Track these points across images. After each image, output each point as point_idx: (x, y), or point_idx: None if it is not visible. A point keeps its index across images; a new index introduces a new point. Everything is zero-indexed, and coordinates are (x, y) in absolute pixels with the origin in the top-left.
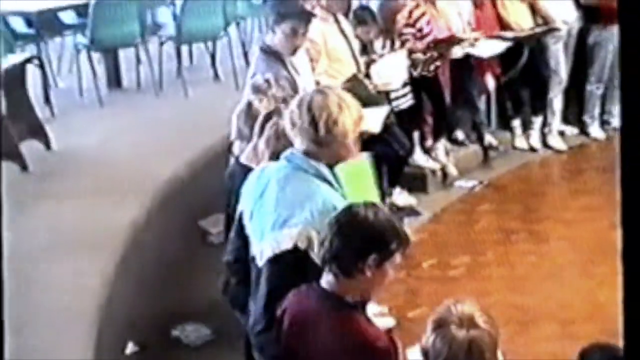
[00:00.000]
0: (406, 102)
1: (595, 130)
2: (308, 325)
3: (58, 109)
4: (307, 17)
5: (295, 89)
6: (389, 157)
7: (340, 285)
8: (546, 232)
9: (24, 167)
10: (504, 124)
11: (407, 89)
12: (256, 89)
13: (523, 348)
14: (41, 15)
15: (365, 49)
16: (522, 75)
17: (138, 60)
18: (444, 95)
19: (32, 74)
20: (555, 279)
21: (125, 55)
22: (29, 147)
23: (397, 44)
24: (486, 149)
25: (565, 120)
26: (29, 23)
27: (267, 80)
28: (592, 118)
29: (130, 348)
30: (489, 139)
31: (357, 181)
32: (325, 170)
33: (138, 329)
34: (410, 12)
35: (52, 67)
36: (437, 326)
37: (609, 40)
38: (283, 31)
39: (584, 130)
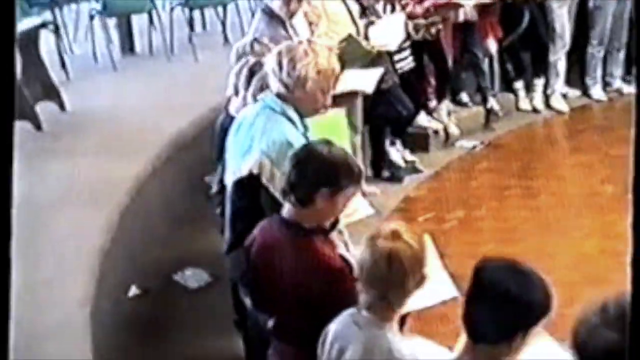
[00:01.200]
0: (407, 64)
1: (597, 92)
2: (271, 250)
3: (73, 73)
4: None
5: None
6: (392, 118)
7: (297, 214)
8: (539, 188)
9: (38, 126)
10: (508, 86)
11: (408, 51)
12: (251, 49)
13: None
14: None
15: (365, 11)
16: (523, 38)
17: (151, 25)
18: (446, 58)
19: (48, 40)
20: (544, 231)
21: (138, 22)
22: (45, 108)
23: (398, 7)
24: (489, 111)
25: (568, 82)
26: None
27: (258, 41)
28: (594, 80)
29: (132, 291)
30: (492, 102)
31: (328, 134)
32: (290, 111)
33: (141, 274)
34: None
35: (67, 33)
36: (369, 242)
37: (609, 4)
38: None
39: (586, 92)
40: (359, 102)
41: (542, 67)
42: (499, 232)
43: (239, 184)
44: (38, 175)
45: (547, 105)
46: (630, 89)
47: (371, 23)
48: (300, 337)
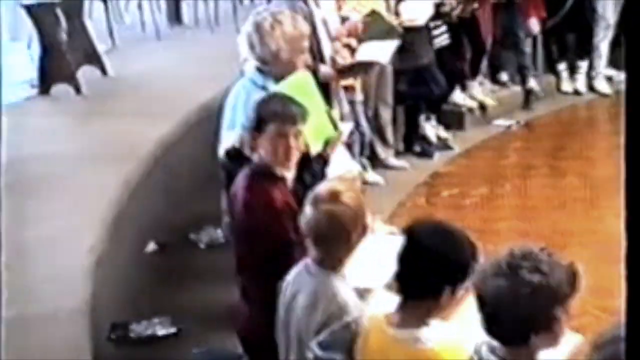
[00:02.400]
0: (443, 40)
1: None
2: (235, 194)
3: (120, 41)
4: None
5: (311, 20)
6: (425, 94)
7: (257, 159)
8: (567, 169)
9: (77, 89)
10: (551, 67)
11: (444, 28)
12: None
13: None
14: None
15: None
16: (567, 20)
17: None
18: (482, 37)
19: (99, 8)
20: (563, 210)
21: None
22: (87, 73)
23: None
24: (528, 91)
25: (614, 64)
26: None
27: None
28: None
29: (150, 247)
30: (531, 82)
31: (300, 92)
32: (270, 83)
33: (159, 231)
34: None
35: (119, 3)
36: (312, 203)
37: None
38: None
39: None
40: (389, 77)
41: (586, 49)
42: (518, 209)
43: (228, 154)
44: (73, 134)
45: (590, 87)
46: None
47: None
48: (253, 272)
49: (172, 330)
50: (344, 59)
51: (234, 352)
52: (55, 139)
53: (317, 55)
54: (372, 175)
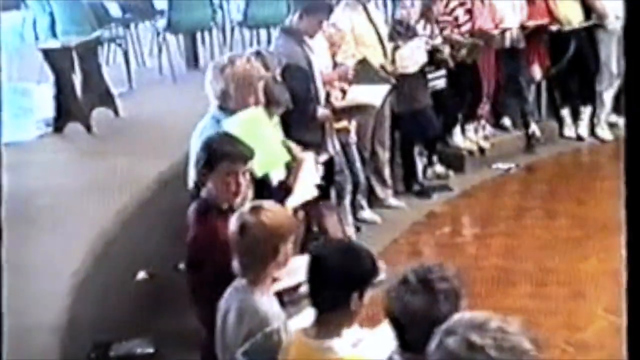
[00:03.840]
0: (439, 84)
1: None
2: (188, 225)
3: (138, 84)
4: (331, 11)
5: (309, 64)
6: (419, 135)
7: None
8: (558, 211)
9: (89, 128)
10: (555, 113)
11: (443, 71)
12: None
13: (499, 303)
14: (136, 1)
15: (393, 35)
16: (571, 67)
17: (202, 43)
18: (482, 82)
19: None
20: (549, 249)
21: (203, 38)
22: (102, 113)
23: (436, 30)
24: (530, 136)
25: (618, 111)
26: (123, 9)
27: (260, 53)
28: None
29: (140, 275)
30: (533, 128)
31: (250, 126)
32: (225, 119)
33: (150, 261)
34: (448, 2)
35: (141, 47)
36: (236, 216)
37: None
38: (310, 21)
39: None
40: (387, 120)
41: (589, 95)
42: (506, 248)
43: (196, 187)
44: (79, 169)
45: (592, 133)
46: None
47: (398, 47)
48: (202, 298)
49: (150, 350)
50: (337, 99)
51: None
52: (61, 173)
53: (314, 97)
54: (368, 214)
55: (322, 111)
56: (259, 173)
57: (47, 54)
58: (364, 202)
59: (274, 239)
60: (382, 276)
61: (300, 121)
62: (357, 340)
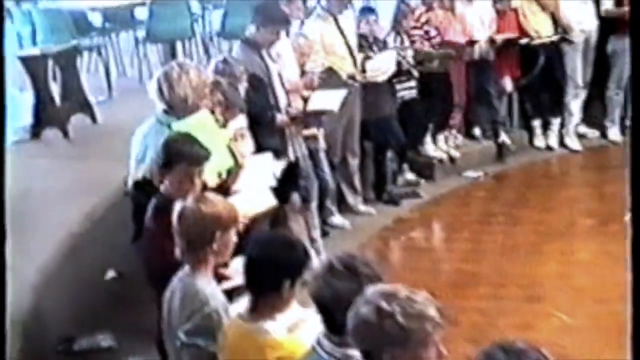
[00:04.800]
0: (409, 94)
1: (614, 134)
2: (146, 220)
3: (118, 92)
4: (288, 22)
5: (267, 73)
6: (383, 143)
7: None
8: (521, 218)
9: (66, 134)
10: (526, 123)
11: (414, 82)
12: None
13: (458, 304)
14: (117, 10)
15: (363, 46)
16: (541, 79)
17: (183, 53)
18: (452, 92)
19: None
20: (509, 254)
21: (183, 48)
22: (80, 120)
23: (407, 42)
24: (500, 145)
25: (588, 122)
26: (104, 18)
27: (226, 61)
28: (612, 122)
29: (109, 274)
30: (504, 137)
31: (200, 129)
32: (173, 123)
33: (119, 261)
34: (419, 16)
35: (121, 56)
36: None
37: (627, 49)
38: (267, 32)
39: (604, 134)
40: (357, 127)
41: (558, 107)
42: (466, 252)
43: (137, 185)
44: (53, 174)
45: (562, 143)
46: None
47: (368, 57)
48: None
49: (112, 343)
50: (297, 109)
51: None
52: (36, 177)
53: (273, 104)
54: (338, 219)
55: (280, 118)
56: (205, 176)
57: (26, 61)
58: (333, 208)
59: (211, 226)
60: None
61: (259, 128)
62: (297, 321)
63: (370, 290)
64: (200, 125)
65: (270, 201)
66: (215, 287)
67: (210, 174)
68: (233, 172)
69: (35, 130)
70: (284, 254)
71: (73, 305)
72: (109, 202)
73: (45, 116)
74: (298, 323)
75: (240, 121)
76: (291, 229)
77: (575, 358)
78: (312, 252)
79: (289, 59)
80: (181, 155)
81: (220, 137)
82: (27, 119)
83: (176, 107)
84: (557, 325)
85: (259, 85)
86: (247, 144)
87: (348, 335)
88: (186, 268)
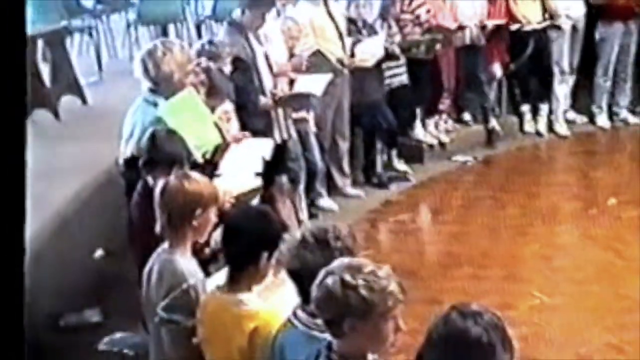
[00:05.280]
0: (400, 80)
1: (602, 120)
2: (134, 200)
3: (108, 74)
4: (273, 4)
5: (253, 56)
6: (377, 128)
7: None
8: (508, 201)
9: (56, 115)
10: (515, 108)
11: (404, 68)
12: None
13: (441, 284)
14: None
15: (352, 30)
16: (529, 65)
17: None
18: (441, 78)
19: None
20: (493, 236)
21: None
22: (71, 101)
23: (395, 28)
24: (490, 131)
25: (576, 109)
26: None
27: (212, 42)
28: (600, 108)
29: (98, 253)
30: (493, 123)
31: (185, 107)
32: (161, 101)
33: (108, 240)
34: (410, 1)
35: (113, 38)
36: None
37: (614, 35)
38: (253, 14)
39: (592, 120)
40: (346, 111)
41: (547, 93)
42: (453, 234)
43: (127, 162)
44: (42, 153)
45: (551, 129)
46: (636, 120)
47: (358, 41)
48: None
49: (98, 319)
50: (282, 91)
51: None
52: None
53: (258, 87)
54: (326, 201)
55: (264, 100)
56: (196, 152)
57: None
58: (322, 190)
59: (191, 203)
60: None
61: (245, 110)
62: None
63: (337, 262)
64: (186, 103)
65: (256, 182)
66: (193, 263)
67: (199, 148)
68: (220, 149)
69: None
70: (260, 226)
71: (61, 282)
72: (98, 182)
73: (34, 97)
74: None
75: (226, 104)
76: (278, 210)
77: (551, 335)
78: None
79: (277, 42)
80: (165, 155)
81: (207, 114)
82: None
83: (161, 85)
84: (535, 305)
85: (244, 68)
86: (233, 127)
87: (312, 304)
88: (165, 244)
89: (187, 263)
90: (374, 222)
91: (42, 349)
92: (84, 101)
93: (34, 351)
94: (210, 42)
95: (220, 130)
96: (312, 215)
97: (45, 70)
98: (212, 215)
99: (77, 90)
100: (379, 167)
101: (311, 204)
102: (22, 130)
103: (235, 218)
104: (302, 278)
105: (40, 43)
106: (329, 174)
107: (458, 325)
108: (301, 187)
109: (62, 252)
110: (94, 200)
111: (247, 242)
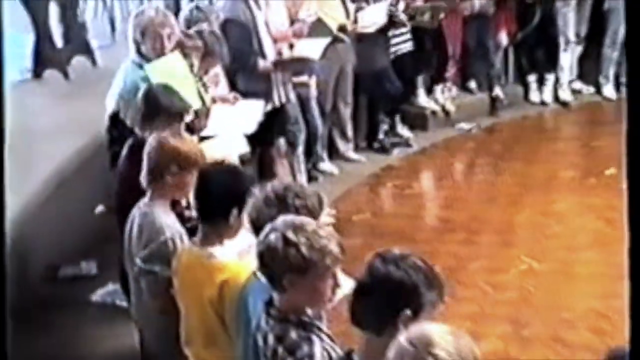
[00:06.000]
0: (405, 47)
1: (608, 90)
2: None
3: (121, 38)
4: None
5: (253, 21)
6: (382, 95)
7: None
8: (506, 169)
9: (66, 75)
10: (522, 77)
11: (408, 35)
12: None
13: (434, 247)
14: None
15: None
16: (536, 34)
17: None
18: (446, 46)
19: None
20: (488, 203)
21: None
22: (81, 63)
23: None
24: (494, 99)
25: (584, 79)
26: None
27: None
28: (607, 79)
29: (99, 209)
30: (497, 91)
31: (170, 70)
32: (144, 62)
33: (109, 197)
34: None
35: (128, 2)
36: None
37: (623, 6)
38: None
39: (599, 90)
40: (349, 77)
41: (553, 62)
42: (450, 200)
43: (112, 118)
44: (50, 112)
45: (556, 98)
46: None
47: (360, 8)
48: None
49: (94, 272)
50: (282, 55)
51: None
52: (33, 115)
53: (257, 51)
54: (327, 165)
55: (263, 64)
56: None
57: (27, 2)
58: (324, 154)
59: (172, 159)
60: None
61: (243, 73)
62: (247, 247)
63: (280, 219)
64: (170, 67)
65: (243, 148)
66: (172, 217)
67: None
68: (200, 114)
69: (37, 71)
70: (230, 182)
71: (60, 236)
72: (102, 140)
73: (45, 57)
74: (249, 249)
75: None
76: (276, 172)
77: (537, 300)
78: None
79: (278, 7)
80: (161, 108)
81: (190, 79)
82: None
83: (149, 50)
84: (524, 270)
85: (241, 31)
86: (221, 89)
87: (256, 259)
88: (146, 198)
89: (165, 216)
90: (373, 187)
91: (40, 299)
92: (94, 63)
93: (32, 301)
94: (197, 8)
95: (202, 96)
96: (311, 178)
97: (56, 31)
98: (193, 176)
99: (88, 51)
100: (381, 133)
101: (312, 167)
102: None
103: (206, 174)
104: (258, 231)
105: (52, 4)
106: (332, 138)
107: (381, 271)
108: (300, 149)
109: (62, 207)
110: (98, 158)
111: (216, 197)
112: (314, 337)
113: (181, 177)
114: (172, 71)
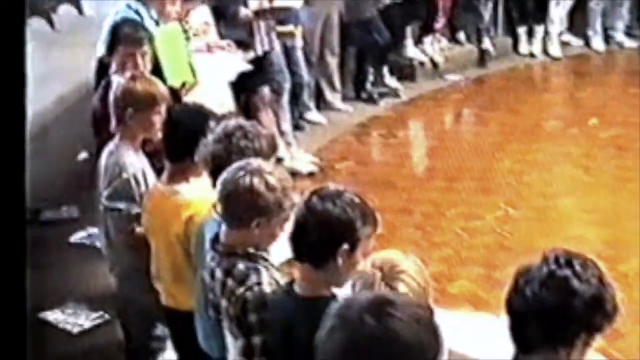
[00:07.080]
0: None
1: (596, 43)
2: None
3: None
4: None
5: None
6: (370, 45)
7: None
8: (491, 119)
9: (51, 24)
10: (512, 30)
11: None
12: None
13: (414, 194)
14: None
15: None
16: None
17: None
18: None
19: None
20: (471, 151)
21: None
22: (68, 12)
23: None
24: (483, 51)
25: (573, 32)
26: None
27: None
28: (594, 32)
29: (82, 155)
30: (487, 43)
31: (168, 40)
32: (141, 9)
33: (90, 143)
34: None
35: None
36: None
37: None
38: None
39: (588, 43)
40: (335, 26)
41: (542, 14)
42: (433, 149)
43: (100, 62)
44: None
45: (545, 51)
46: (632, 43)
47: None
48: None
49: (75, 215)
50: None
51: None
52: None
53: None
54: (314, 115)
55: (244, 12)
56: (170, 81)
57: None
58: (310, 104)
59: (127, 101)
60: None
61: (226, 21)
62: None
63: (244, 162)
64: (169, 37)
65: (229, 103)
66: (140, 156)
67: (172, 78)
68: (188, 85)
69: None
70: (197, 122)
71: (41, 181)
72: (86, 88)
73: (31, 4)
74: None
75: (205, 15)
76: (260, 119)
77: (511, 245)
78: (280, 143)
79: None
80: (122, 37)
81: (185, 53)
82: None
83: None
84: (500, 216)
85: None
86: (210, 38)
87: (218, 197)
88: (116, 139)
89: (130, 155)
90: (359, 136)
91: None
92: (80, 12)
93: (14, 244)
94: None
95: (193, 70)
96: (299, 128)
97: None
98: (157, 116)
99: (74, 0)
100: (369, 84)
101: (299, 116)
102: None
103: (173, 113)
104: (210, 168)
105: None
106: (319, 88)
107: (318, 208)
108: (285, 98)
109: (43, 152)
110: (81, 105)
111: (182, 136)
112: (261, 267)
113: (143, 118)
114: (169, 41)
